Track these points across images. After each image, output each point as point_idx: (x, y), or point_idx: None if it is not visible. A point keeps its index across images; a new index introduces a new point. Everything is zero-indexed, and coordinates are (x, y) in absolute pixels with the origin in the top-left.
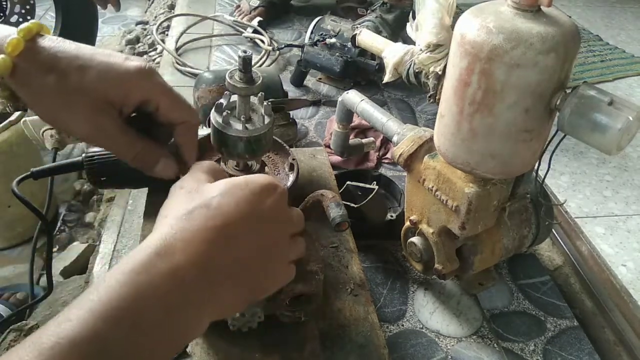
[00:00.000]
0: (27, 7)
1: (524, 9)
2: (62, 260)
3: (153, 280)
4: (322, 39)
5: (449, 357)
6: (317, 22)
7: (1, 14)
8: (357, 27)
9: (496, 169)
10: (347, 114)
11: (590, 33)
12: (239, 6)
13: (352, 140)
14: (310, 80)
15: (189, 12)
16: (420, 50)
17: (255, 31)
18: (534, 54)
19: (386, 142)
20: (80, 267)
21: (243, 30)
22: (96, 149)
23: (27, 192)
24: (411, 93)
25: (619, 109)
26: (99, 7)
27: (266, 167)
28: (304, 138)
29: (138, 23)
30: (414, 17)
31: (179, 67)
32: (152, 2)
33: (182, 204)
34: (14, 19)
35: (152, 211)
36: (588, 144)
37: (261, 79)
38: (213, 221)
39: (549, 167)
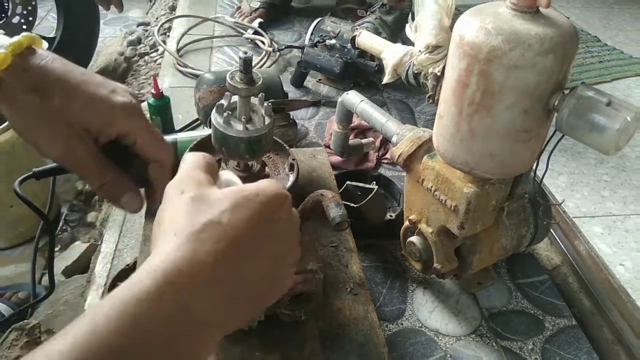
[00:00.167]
0: (29, 8)
1: (523, 10)
2: (63, 259)
3: (159, 312)
4: (322, 40)
5: (448, 355)
6: (317, 24)
7: (3, 15)
8: (356, 29)
9: (495, 169)
10: (347, 115)
11: (588, 34)
12: (239, 8)
13: (352, 140)
14: (310, 81)
15: (190, 13)
16: (420, 51)
17: (255, 32)
18: (533, 55)
19: (385, 142)
20: (82, 266)
21: (244, 32)
22: None
23: (29, 192)
24: (410, 94)
25: (617, 110)
26: (101, 8)
27: (266, 167)
28: (304, 138)
29: (139, 24)
30: (413, 19)
31: (180, 68)
32: (154, 4)
33: (188, 217)
34: (15, 19)
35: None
36: (586, 145)
37: (261, 79)
38: (225, 240)
39: (547, 167)
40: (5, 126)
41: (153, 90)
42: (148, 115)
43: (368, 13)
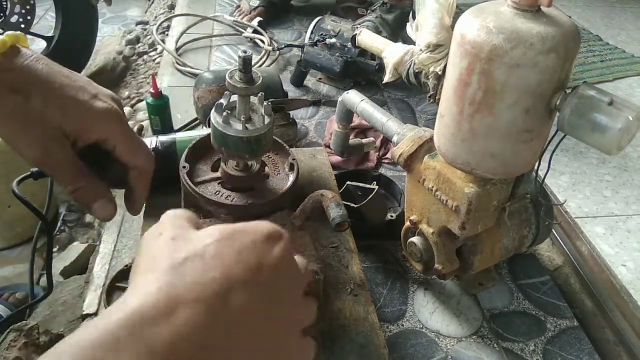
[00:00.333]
0: (27, 7)
1: (524, 9)
2: (62, 260)
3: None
4: (322, 39)
5: (449, 357)
6: (317, 22)
7: (1, 14)
8: (357, 27)
9: (496, 169)
10: (347, 114)
11: (590, 33)
12: (239, 6)
13: (352, 140)
14: (310, 80)
15: (189, 12)
16: (420, 50)
17: (255, 31)
18: (534, 54)
19: (386, 142)
20: (80, 267)
21: (243, 30)
22: None
23: (27, 192)
24: (411, 93)
25: (618, 109)
26: (100, 6)
27: (266, 167)
28: (304, 138)
29: (138, 23)
30: (414, 17)
31: (179, 67)
32: (152, 2)
33: (168, 254)
34: (14, 19)
35: (152, 211)
36: (588, 144)
37: (261, 79)
38: (211, 273)
39: (548, 167)
40: None
41: (152, 90)
42: (147, 115)
43: (368, 12)
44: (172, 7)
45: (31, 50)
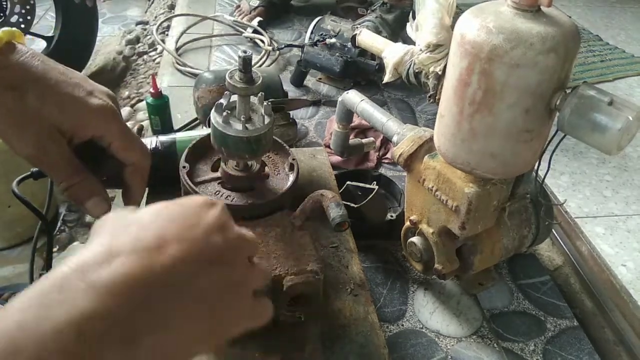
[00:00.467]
0: (27, 7)
1: (524, 9)
2: (62, 260)
3: (64, 303)
4: (322, 39)
5: (449, 357)
6: (317, 22)
7: (1, 14)
8: (357, 27)
9: (496, 169)
10: (347, 114)
11: (590, 33)
12: (239, 6)
13: (352, 140)
14: (310, 80)
15: (189, 12)
16: (420, 50)
17: (255, 31)
18: (534, 54)
19: (386, 142)
20: None
21: (243, 30)
22: None
23: (27, 192)
24: (411, 93)
25: (618, 109)
26: (100, 6)
27: (266, 167)
28: (304, 138)
29: (138, 23)
30: (414, 17)
31: (179, 67)
32: (152, 2)
33: (110, 225)
34: (14, 19)
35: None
36: (588, 144)
37: (261, 79)
38: (147, 232)
39: (548, 167)
40: None
41: (152, 90)
42: (147, 115)
43: (368, 12)
44: (172, 7)
45: (27, 46)
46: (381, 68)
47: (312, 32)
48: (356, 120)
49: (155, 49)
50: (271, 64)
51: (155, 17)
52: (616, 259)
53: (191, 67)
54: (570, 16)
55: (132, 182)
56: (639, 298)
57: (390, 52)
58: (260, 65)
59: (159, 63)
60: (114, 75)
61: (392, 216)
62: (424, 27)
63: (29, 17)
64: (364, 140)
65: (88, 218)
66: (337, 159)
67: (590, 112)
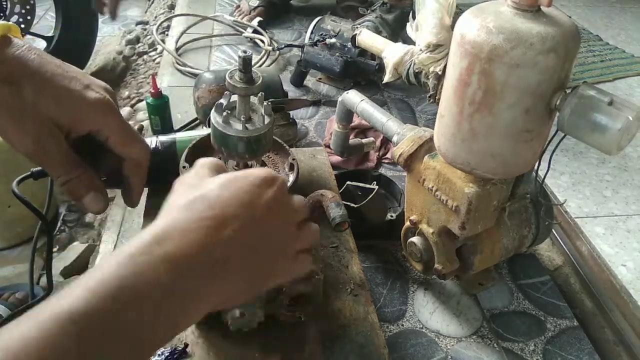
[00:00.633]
0: (27, 7)
1: (524, 9)
2: (62, 260)
3: (150, 264)
4: (322, 39)
5: (449, 357)
6: (317, 22)
7: (1, 14)
8: (357, 27)
9: (496, 169)
10: (347, 114)
11: (590, 33)
12: (238, 6)
13: (352, 140)
14: (310, 80)
15: (189, 12)
16: (420, 50)
17: (255, 31)
18: (534, 54)
19: (386, 142)
20: (80, 267)
21: (243, 30)
22: None
23: (27, 192)
24: (411, 93)
25: (618, 109)
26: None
27: (266, 167)
28: (304, 138)
29: (138, 23)
30: (414, 17)
31: (179, 67)
32: (152, 2)
33: (182, 196)
34: (14, 19)
35: (151, 211)
36: (588, 144)
37: (261, 79)
38: (211, 211)
39: (548, 167)
40: None
41: (152, 90)
42: (147, 115)
43: (368, 11)
44: (172, 7)
45: (22, 40)
46: (381, 68)
47: (312, 32)
48: (356, 120)
49: (155, 49)
50: (271, 64)
51: (155, 17)
52: (616, 259)
53: (191, 67)
54: (570, 16)
55: (131, 177)
56: (638, 298)
57: (390, 52)
58: (260, 65)
59: (159, 63)
60: (114, 75)
61: (392, 216)
62: (424, 27)
63: (29, 17)
64: (364, 140)
65: (88, 218)
66: (337, 159)
67: (590, 112)
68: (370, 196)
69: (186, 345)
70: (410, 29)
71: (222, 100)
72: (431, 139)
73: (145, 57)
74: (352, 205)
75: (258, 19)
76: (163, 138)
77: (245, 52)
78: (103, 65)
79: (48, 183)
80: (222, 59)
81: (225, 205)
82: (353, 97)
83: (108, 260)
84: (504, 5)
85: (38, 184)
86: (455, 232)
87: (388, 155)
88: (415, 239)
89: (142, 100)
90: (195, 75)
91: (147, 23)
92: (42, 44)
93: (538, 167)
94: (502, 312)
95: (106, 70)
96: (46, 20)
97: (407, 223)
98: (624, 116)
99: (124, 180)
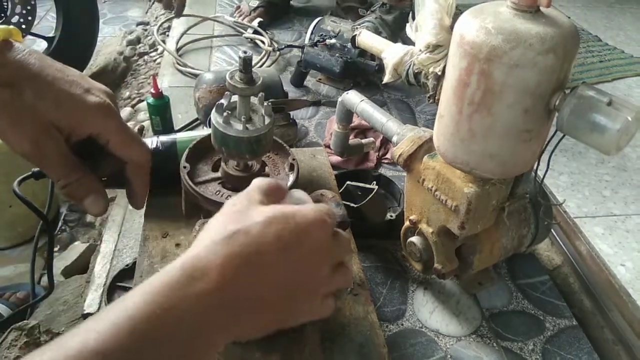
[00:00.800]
0: (28, 7)
1: (523, 10)
2: (63, 259)
3: (180, 303)
4: (322, 39)
5: (449, 356)
6: (317, 23)
7: (2, 15)
8: (356, 28)
9: (495, 169)
10: (347, 115)
11: (589, 33)
12: (239, 7)
13: (352, 140)
14: (310, 81)
15: (190, 13)
16: (420, 50)
17: (255, 32)
18: (533, 55)
19: (386, 142)
20: (81, 266)
21: (243, 31)
22: None
23: (29, 192)
24: (411, 93)
25: (617, 110)
26: (106, 5)
27: (266, 167)
28: (304, 138)
29: (139, 24)
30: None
31: (179, 67)
32: (153, 3)
33: (225, 224)
34: (15, 19)
35: (152, 211)
36: (587, 144)
37: (261, 79)
38: (248, 249)
39: (547, 167)
40: None
41: (152, 90)
42: (147, 115)
43: (368, 12)
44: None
45: (24, 44)
46: (381, 69)
47: (312, 33)
48: (356, 121)
49: (156, 50)
50: (271, 64)
51: (156, 17)
52: (615, 258)
53: (192, 68)
54: (569, 17)
55: (134, 180)
56: (637, 297)
57: (390, 53)
58: (261, 66)
59: (159, 63)
60: (114, 76)
61: (391, 216)
62: (423, 27)
63: (29, 18)
64: (363, 141)
65: (89, 218)
66: (337, 159)
67: (589, 113)
68: (370, 196)
69: None
70: (409, 30)
71: (222, 101)
72: (430, 139)
73: (146, 57)
74: (352, 205)
75: (258, 19)
76: (164, 138)
77: (245, 52)
78: (104, 66)
79: (49, 183)
80: (222, 59)
81: (266, 244)
82: (353, 98)
83: (137, 294)
84: (503, 5)
85: (39, 184)
86: (454, 232)
87: (388, 156)
88: (414, 239)
89: (142, 101)
90: (195, 75)
91: (147, 24)
92: (43, 44)
93: (537, 167)
94: (502, 311)
95: (107, 71)
96: (47, 20)
97: (407, 223)
98: (622, 116)
99: (127, 183)
